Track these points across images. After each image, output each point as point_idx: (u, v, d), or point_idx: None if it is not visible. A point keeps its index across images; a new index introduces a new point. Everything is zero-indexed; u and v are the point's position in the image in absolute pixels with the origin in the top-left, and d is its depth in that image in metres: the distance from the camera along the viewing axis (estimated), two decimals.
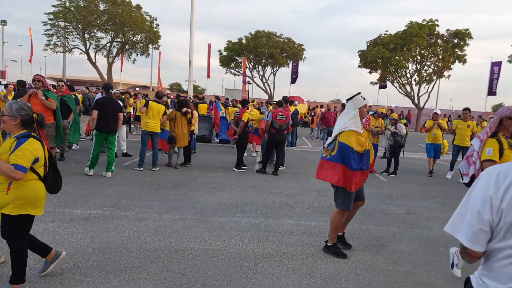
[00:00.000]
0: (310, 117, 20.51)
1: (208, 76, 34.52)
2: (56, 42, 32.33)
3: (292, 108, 13.74)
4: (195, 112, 10.54)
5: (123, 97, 12.92)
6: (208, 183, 7.67)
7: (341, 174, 4.15)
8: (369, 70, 32.86)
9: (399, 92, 32.64)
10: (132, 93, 18.27)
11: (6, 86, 12.95)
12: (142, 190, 6.78)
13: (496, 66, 30.86)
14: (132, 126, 15.99)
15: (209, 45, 35.40)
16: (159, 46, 35.42)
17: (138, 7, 32.83)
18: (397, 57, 29.20)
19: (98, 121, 7.43)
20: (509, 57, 32.21)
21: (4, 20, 52.35)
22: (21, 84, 9.93)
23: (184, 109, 8.89)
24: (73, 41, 33.03)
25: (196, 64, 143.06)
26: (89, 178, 7.35)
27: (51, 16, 31.31)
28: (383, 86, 35.66)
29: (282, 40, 38.07)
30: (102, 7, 31.77)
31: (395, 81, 32.41)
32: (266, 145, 9.43)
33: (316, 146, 15.77)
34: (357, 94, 4.30)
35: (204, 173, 8.65)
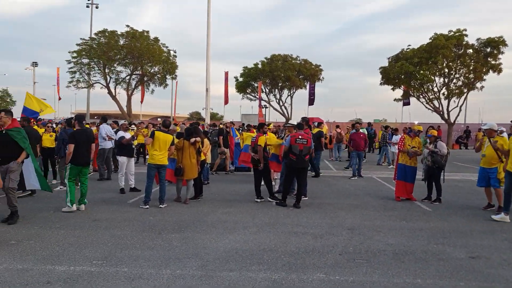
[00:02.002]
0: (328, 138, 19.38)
1: (226, 103, 34.02)
2: (79, 78, 32.84)
3: (315, 130, 12.70)
4: (206, 140, 9.66)
5: (133, 127, 12.26)
6: (219, 222, 6.64)
7: None
8: (392, 86, 31.52)
9: (426, 107, 31.04)
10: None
11: None
12: (142, 235, 5.82)
13: None
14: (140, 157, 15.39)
15: (226, 73, 35.09)
16: (176, 76, 35.36)
17: (156, 39, 33.08)
18: (422, 71, 27.80)
19: (73, 155, 7.19)
20: None
21: (35, 62, 54.69)
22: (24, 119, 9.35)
23: (193, 139, 8.00)
24: (94, 76, 33.50)
25: (213, 92, 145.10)
26: (86, 222, 6.46)
27: (75, 54, 31.94)
28: (407, 103, 34.15)
29: (298, 62, 37.44)
30: (121, 42, 32.17)
31: (421, 96, 30.89)
32: (285, 173, 8.40)
33: (342, 171, 14.54)
34: None
35: (216, 209, 7.65)
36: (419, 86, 29.90)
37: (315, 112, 57.54)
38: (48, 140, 10.35)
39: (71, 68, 32.18)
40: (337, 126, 19.49)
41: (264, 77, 36.59)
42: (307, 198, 8.69)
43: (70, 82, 32.65)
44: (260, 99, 28.02)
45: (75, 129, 8.00)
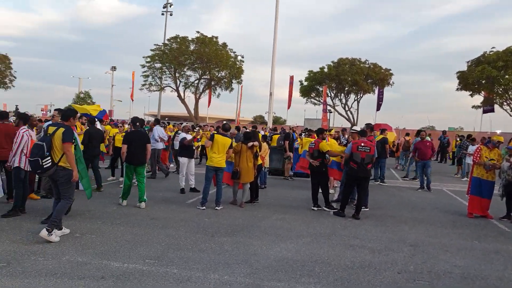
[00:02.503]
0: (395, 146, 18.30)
1: (289, 107, 33.84)
2: (151, 82, 34.87)
3: (379, 137, 12.08)
4: (265, 144, 9.60)
5: (196, 129, 12.60)
6: (272, 228, 6.50)
7: None
8: (471, 92, 29.04)
9: (511, 115, 28.12)
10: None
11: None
12: (196, 236, 5.88)
13: None
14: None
15: (291, 77, 34.99)
16: (241, 80, 36.01)
17: (224, 45, 34.00)
18: (507, 76, 25.24)
19: (127, 154, 7.62)
20: None
21: (114, 66, 59.40)
22: (90, 121, 9.98)
23: (250, 143, 7.97)
24: (165, 80, 35.36)
25: (277, 96, 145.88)
26: (144, 220, 6.69)
27: (149, 59, 34.01)
28: (489, 110, 31.06)
29: (367, 66, 36.08)
30: (192, 47, 33.57)
31: (505, 103, 28.06)
32: (345, 182, 8.03)
33: (408, 180, 13.61)
34: None
35: (270, 214, 7.52)
36: (503, 92, 27.22)
37: (384, 118, 54.80)
38: (120, 140, 10.98)
39: (144, 72, 34.29)
40: (407, 134, 18.38)
41: (330, 81, 35.82)
42: (367, 209, 8.21)
43: (143, 85, 34.81)
44: (325, 103, 27.40)
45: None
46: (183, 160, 9.61)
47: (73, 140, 5.47)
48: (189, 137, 9.86)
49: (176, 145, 11.57)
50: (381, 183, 12.30)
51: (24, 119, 6.75)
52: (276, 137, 13.35)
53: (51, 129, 5.47)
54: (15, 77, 41.55)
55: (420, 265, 4.96)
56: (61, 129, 5.39)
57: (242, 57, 35.96)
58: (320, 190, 8.19)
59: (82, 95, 58.11)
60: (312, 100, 38.88)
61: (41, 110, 47.05)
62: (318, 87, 37.25)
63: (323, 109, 26.58)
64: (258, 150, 8.24)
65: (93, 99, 58.55)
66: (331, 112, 38.49)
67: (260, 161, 8.63)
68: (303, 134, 15.99)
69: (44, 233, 5.11)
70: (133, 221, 6.59)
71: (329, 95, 36.91)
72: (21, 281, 3.94)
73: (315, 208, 8.10)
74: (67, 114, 5.75)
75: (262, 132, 14.29)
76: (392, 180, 13.56)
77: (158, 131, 11.75)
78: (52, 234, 5.16)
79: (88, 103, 54.86)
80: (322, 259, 5.07)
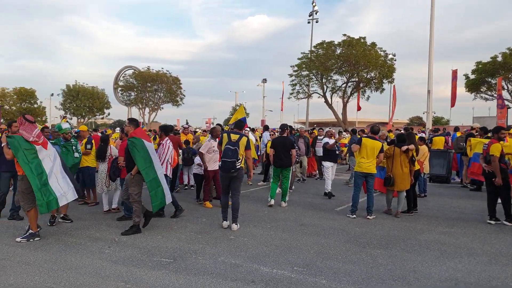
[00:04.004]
0: None
1: (452, 105, 29.79)
2: (299, 90, 35.79)
3: None
4: (423, 147, 8.57)
5: (344, 135, 12.18)
6: (435, 243, 5.65)
7: None
8: None
9: None
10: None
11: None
12: (346, 246, 5.53)
13: None
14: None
15: (454, 71, 30.91)
16: (393, 79, 33.64)
17: (373, 44, 32.51)
18: None
19: (274, 158, 8.26)
20: None
21: (265, 78, 63.50)
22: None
23: (405, 147, 7.18)
24: (312, 87, 35.78)
25: (437, 94, 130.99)
26: (294, 226, 6.66)
27: (296, 68, 35.06)
28: None
29: None
30: (338, 51, 33.20)
31: None
32: None
33: None
34: None
35: (433, 227, 6.58)
36: None
37: None
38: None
39: (292, 81, 35.38)
40: None
41: (506, 71, 30.32)
42: None
43: (291, 93, 35.91)
44: (500, 97, 23.18)
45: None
46: (326, 164, 9.49)
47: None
48: (331, 141, 9.68)
49: (319, 151, 11.44)
50: None
51: (165, 131, 7.43)
52: (438, 139, 11.87)
53: (234, 137, 6.40)
54: (184, 95, 48.64)
55: None
56: (245, 138, 6.46)
57: (394, 55, 33.72)
58: (499, 200, 6.82)
59: (237, 108, 63.79)
60: (483, 95, 33.64)
61: (206, 123, 53.40)
62: (489, 79, 32.02)
63: (497, 104, 22.52)
64: (414, 154, 7.36)
65: (246, 111, 63.52)
66: (510, 108, 32.45)
67: (417, 167, 7.70)
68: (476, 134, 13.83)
69: (235, 227, 6.32)
70: (283, 226, 6.64)
71: (505, 87, 31.24)
72: (184, 277, 4.31)
73: (492, 222, 6.77)
74: (241, 125, 6.99)
75: (421, 134, 12.94)
76: None
77: (266, 136, 11.92)
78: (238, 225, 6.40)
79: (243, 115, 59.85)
80: (505, 284, 4.10)
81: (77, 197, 5.96)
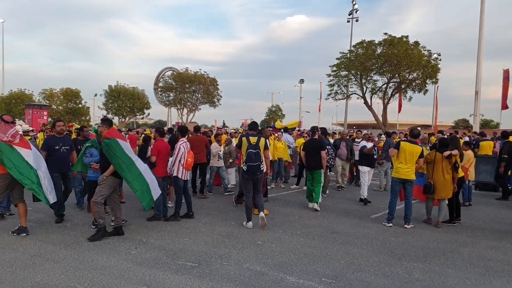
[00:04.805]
0: None
1: (504, 107, 27.88)
2: (337, 91, 35.00)
3: None
4: (469, 153, 8.01)
5: (383, 138, 11.64)
6: (480, 258, 5.18)
7: None
8: None
9: None
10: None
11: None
12: (379, 257, 5.20)
13: None
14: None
15: (506, 71, 28.99)
16: (437, 80, 32.06)
17: (416, 43, 31.22)
18: None
19: (305, 161, 8.30)
20: None
21: (302, 79, 62.83)
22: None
23: (447, 152, 6.70)
24: (351, 87, 34.91)
25: (486, 96, 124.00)
26: (325, 233, 6.37)
27: (334, 68, 34.33)
28: None
29: None
30: (379, 50, 32.17)
31: None
32: None
33: None
34: None
35: (477, 240, 6.08)
36: None
37: None
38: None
39: (330, 81, 34.66)
40: None
41: None
42: None
43: (328, 94, 35.19)
44: None
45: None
46: (363, 169, 9.05)
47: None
48: (369, 145, 9.21)
49: (357, 154, 10.99)
50: None
51: (182, 131, 7.26)
52: (485, 143, 11.10)
53: (252, 139, 6.55)
54: (221, 96, 49.18)
55: None
56: (263, 139, 6.66)
57: (439, 54, 32.18)
58: None
59: (273, 109, 63.51)
60: None
61: (242, 124, 53.80)
62: None
63: None
64: (458, 160, 6.86)
65: (283, 111, 63.16)
66: None
67: (461, 173, 7.17)
68: None
69: (263, 214, 6.49)
70: (313, 233, 6.38)
71: None
72: (206, 283, 4.19)
73: None
74: (255, 127, 7.04)
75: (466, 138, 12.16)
76: None
77: (287, 138, 11.62)
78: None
79: (278, 116, 59.55)
80: None
81: (55, 201, 5.98)
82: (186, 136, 7.75)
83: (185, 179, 6.95)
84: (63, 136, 6.98)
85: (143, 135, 10.33)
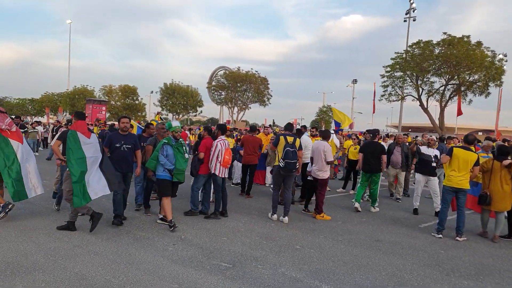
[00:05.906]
0: None
1: None
2: (391, 92, 33.64)
3: None
4: None
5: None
6: None
7: None
8: None
9: None
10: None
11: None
12: (425, 271, 4.85)
13: None
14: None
15: None
16: (501, 82, 29.68)
17: (479, 43, 29.20)
18: None
19: (362, 163, 8.24)
20: None
21: (355, 79, 61.16)
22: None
23: (507, 161, 6.11)
24: (406, 88, 33.38)
25: None
26: (368, 241, 6.08)
27: (389, 69, 33.03)
28: None
29: None
30: (437, 51, 30.50)
31: None
32: None
33: None
34: None
35: None
36: None
37: None
38: (353, 153, 10.79)
39: (384, 82, 33.39)
40: None
41: None
42: None
43: (382, 95, 33.93)
44: None
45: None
46: (419, 177, 8.38)
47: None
48: (431, 152, 8.46)
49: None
50: None
51: (222, 129, 7.28)
52: None
53: (289, 139, 6.94)
54: (271, 95, 49.30)
55: None
56: (298, 140, 7.07)
57: (505, 55, 29.85)
58: None
59: (324, 109, 62.47)
60: None
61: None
62: None
63: None
64: None
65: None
66: None
67: None
68: None
69: (286, 219, 6.90)
70: (356, 240, 6.11)
71: None
72: (238, 286, 4.12)
73: None
74: (291, 128, 7.50)
75: None
76: None
77: (335, 139, 11.07)
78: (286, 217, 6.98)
79: (329, 116, 58.45)
80: None
81: (42, 192, 6.44)
82: (239, 135, 7.96)
83: (223, 176, 6.99)
84: (128, 134, 6.50)
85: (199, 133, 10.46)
